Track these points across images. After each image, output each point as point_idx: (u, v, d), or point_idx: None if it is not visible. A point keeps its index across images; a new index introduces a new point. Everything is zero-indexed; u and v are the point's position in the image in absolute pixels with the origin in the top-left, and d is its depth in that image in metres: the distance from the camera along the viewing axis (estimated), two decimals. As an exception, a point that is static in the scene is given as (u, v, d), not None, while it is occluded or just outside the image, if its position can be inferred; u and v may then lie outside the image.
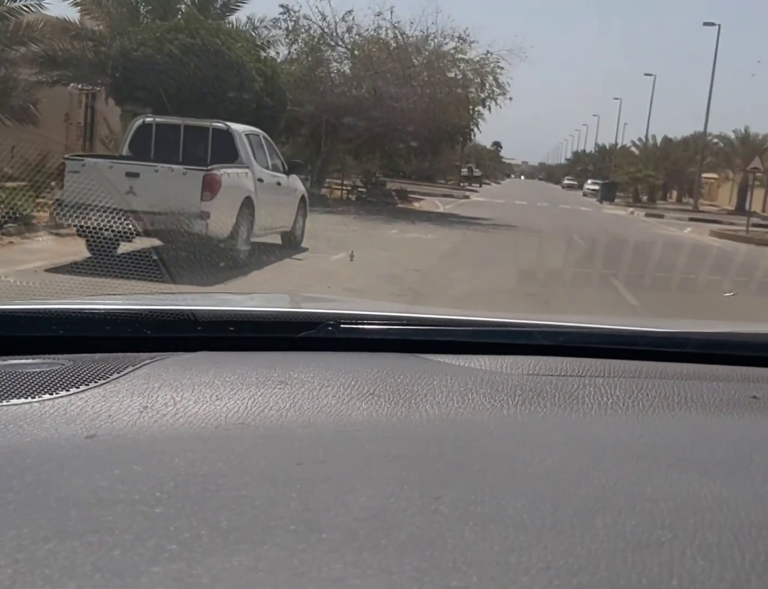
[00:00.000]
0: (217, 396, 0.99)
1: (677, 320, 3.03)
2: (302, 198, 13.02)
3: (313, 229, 13.77)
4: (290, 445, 0.87)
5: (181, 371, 1.09)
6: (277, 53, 23.38)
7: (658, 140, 57.49)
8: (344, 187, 27.71)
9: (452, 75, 23.45)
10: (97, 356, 1.16)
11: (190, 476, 0.76)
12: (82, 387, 1.00)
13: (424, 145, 25.10)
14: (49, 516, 0.68)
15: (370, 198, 26.33)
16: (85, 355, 1.17)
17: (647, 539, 0.68)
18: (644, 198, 51.05)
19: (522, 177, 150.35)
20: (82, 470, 0.77)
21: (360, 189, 28.20)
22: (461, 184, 53.74)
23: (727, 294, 9.74)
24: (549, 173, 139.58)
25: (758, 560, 0.66)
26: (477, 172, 62.93)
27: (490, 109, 23.42)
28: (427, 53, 23.33)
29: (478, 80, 23.30)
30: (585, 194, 63.38)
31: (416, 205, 27.65)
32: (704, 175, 57.47)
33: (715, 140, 48.78)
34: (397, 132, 23.92)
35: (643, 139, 59.71)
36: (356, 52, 23.55)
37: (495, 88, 23.16)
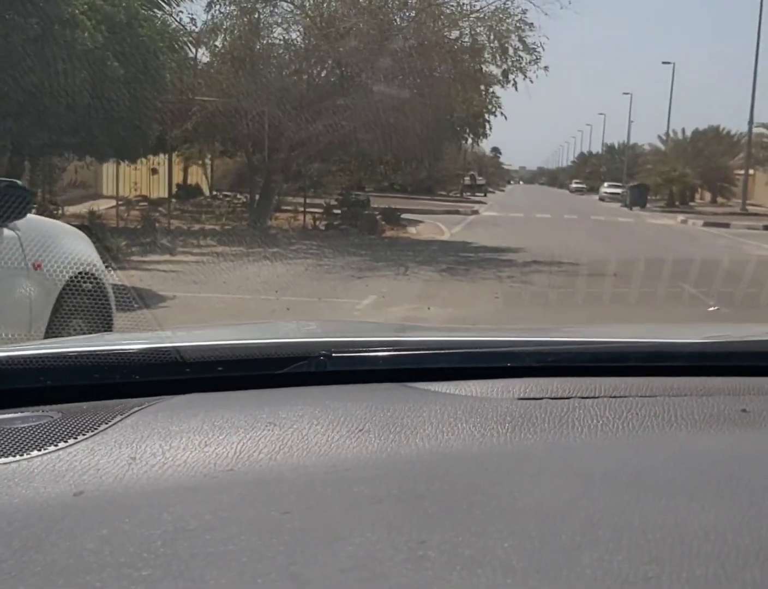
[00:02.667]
0: (206, 442, 0.97)
1: (664, 326, 3.26)
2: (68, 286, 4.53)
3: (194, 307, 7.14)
4: (279, 490, 0.85)
5: (169, 417, 1.06)
6: (192, 20, 15.28)
7: (679, 134, 49.36)
8: (309, 212, 19.64)
9: (454, 35, 15.23)
10: (85, 405, 1.13)
11: (177, 532, 0.75)
12: (71, 441, 0.96)
13: (418, 148, 16.92)
14: (36, 586, 0.68)
15: (346, 226, 18.23)
16: (73, 405, 1.13)
17: (634, 575, 0.68)
18: (677, 202, 42.86)
19: (521, 183, 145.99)
20: (69, 532, 0.76)
21: (335, 212, 20.17)
22: (464, 195, 45.87)
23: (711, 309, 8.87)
24: (552, 177, 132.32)
25: None
26: (480, 181, 55.10)
27: (516, 86, 15.29)
28: (415, 2, 15.09)
29: (496, 43, 15.13)
30: (602, 199, 55.75)
31: (412, 231, 19.54)
32: (738, 172, 49.38)
33: (763, 130, 40.55)
34: (378, 130, 15.80)
35: (663, 136, 51.52)
36: (310, 12, 15.34)
37: (521, 54, 15.01)
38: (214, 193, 24.93)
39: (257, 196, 16.07)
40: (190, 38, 14.88)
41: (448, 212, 28.00)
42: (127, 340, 1.59)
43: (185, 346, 1.32)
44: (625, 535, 0.74)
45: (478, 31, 15.07)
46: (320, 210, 21.17)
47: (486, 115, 16.73)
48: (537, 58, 15.14)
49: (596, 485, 0.87)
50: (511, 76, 15.33)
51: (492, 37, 15.08)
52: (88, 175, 20.85)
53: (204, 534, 0.74)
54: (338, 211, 20.18)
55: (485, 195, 53.11)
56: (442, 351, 1.41)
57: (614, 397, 1.18)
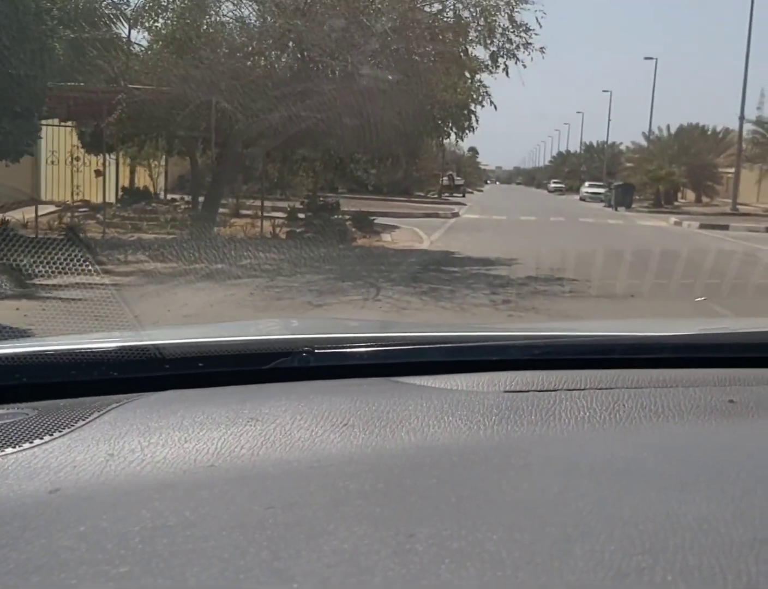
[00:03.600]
0: (185, 438, 0.95)
1: (652, 321, 3.41)
2: None
3: None
4: (261, 486, 0.83)
5: (148, 413, 1.03)
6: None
7: (664, 131, 47.23)
8: (271, 217, 17.16)
9: (435, 9, 12.70)
10: (62, 402, 1.10)
11: (156, 528, 0.73)
12: (47, 438, 0.95)
13: (393, 144, 14.48)
14: (9, 585, 0.66)
15: (311, 233, 15.75)
16: (50, 402, 1.11)
17: (627, 566, 0.67)
18: (662, 201, 40.72)
19: (497, 183, 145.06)
20: (45, 529, 0.74)
21: (300, 217, 17.71)
22: (443, 195, 43.49)
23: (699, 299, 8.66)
24: (529, 177, 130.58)
25: (740, 580, 0.65)
26: (459, 181, 52.87)
27: (507, 72, 12.84)
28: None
29: (482, 22, 12.69)
30: (583, 199, 53.68)
31: (387, 238, 17.09)
32: (723, 169, 47.40)
33: (753, 126, 38.46)
34: (347, 123, 13.35)
35: (647, 133, 49.42)
36: (264, -17, 12.83)
37: (512, 35, 12.56)
38: (170, 196, 22.36)
39: (203, 200, 13.49)
40: (115, 11, 12.34)
41: (426, 215, 25.58)
42: (106, 338, 1.50)
43: (165, 343, 1.27)
44: (617, 526, 0.73)
45: (463, 4, 12.61)
46: (284, 215, 18.76)
47: (472, 106, 14.28)
48: (526, 41, 12.72)
49: (585, 477, 0.86)
50: (500, 60, 12.91)
51: (478, 13, 12.63)
52: (21, 179, 18.24)
53: (184, 530, 0.72)
54: (304, 217, 17.76)
55: (464, 196, 51.06)
56: (428, 346, 1.36)
57: (601, 389, 1.16)
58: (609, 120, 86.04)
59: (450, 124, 14.49)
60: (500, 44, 12.60)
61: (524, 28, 12.38)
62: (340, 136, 14.14)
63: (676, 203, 42.60)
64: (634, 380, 1.23)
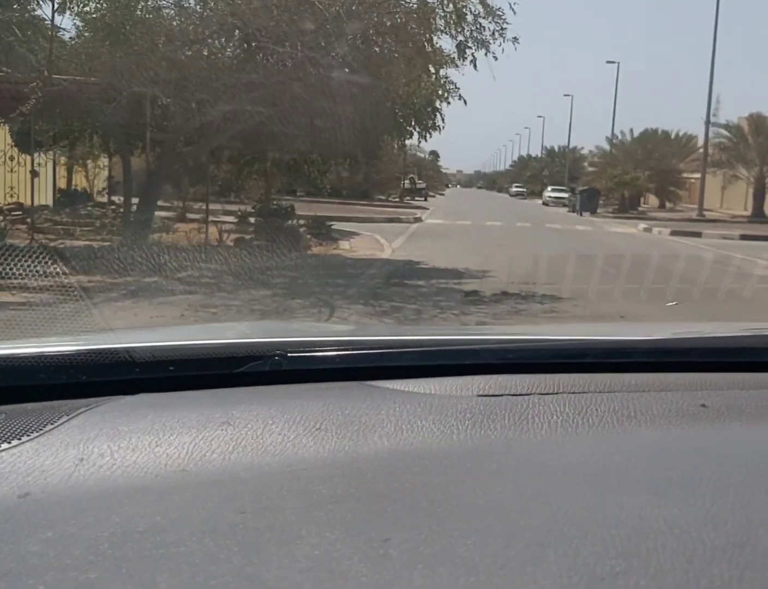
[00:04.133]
0: (156, 443, 0.93)
1: (625, 325, 3.46)
2: None
3: None
4: (233, 491, 0.82)
5: (118, 417, 1.03)
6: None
7: (627, 135, 46.41)
8: (222, 223, 15.69)
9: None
10: (30, 406, 1.09)
11: (126, 534, 0.72)
12: (14, 442, 0.93)
13: (351, 144, 13.10)
14: None
15: (262, 241, 14.32)
16: (18, 405, 1.09)
17: (601, 570, 0.66)
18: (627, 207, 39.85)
19: (458, 186, 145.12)
20: (12, 535, 0.73)
21: (252, 222, 16.29)
22: (404, 199, 42.22)
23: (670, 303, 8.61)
24: (489, 181, 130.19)
25: (713, 585, 0.65)
26: (420, 184, 51.75)
27: (475, 64, 11.50)
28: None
29: (450, 8, 11.35)
30: (546, 204, 52.84)
31: (345, 246, 15.70)
32: (688, 175, 46.79)
33: (720, 130, 37.73)
34: (300, 120, 11.97)
35: (610, 137, 48.62)
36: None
37: (484, 20, 11.23)
38: (114, 199, 20.74)
39: (137, 204, 11.95)
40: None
41: (388, 220, 24.25)
42: (75, 341, 1.47)
43: (135, 346, 1.26)
44: (590, 531, 0.72)
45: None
46: (235, 219, 17.31)
47: (437, 103, 12.94)
48: (500, 28, 11.40)
49: (558, 481, 0.85)
50: (468, 51, 11.56)
51: (444, -2, 11.30)
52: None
53: (154, 536, 0.72)
54: (255, 222, 16.33)
55: (426, 199, 50.04)
56: (401, 349, 1.35)
57: (574, 393, 1.16)
58: (570, 124, 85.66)
59: (413, 123, 13.14)
60: (469, 33, 11.25)
61: (498, 13, 11.05)
62: (292, 134, 12.72)
63: (640, 209, 41.81)
64: (607, 384, 1.22)
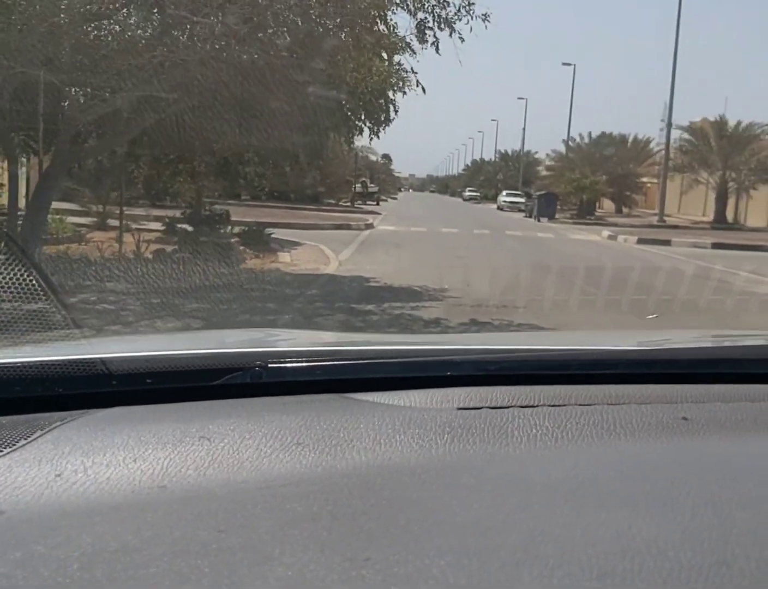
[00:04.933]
0: (132, 458, 0.92)
1: (607, 333, 3.40)
2: None
3: None
4: (208, 508, 0.80)
5: (93, 431, 1.00)
6: None
7: (585, 137, 45.03)
8: (142, 230, 13.58)
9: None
10: (5, 419, 1.06)
11: (96, 553, 0.71)
12: None
13: (291, 141, 11.06)
14: None
15: (186, 252, 12.23)
16: None
17: None
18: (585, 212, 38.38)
19: (411, 190, 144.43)
20: None
21: (180, 231, 14.21)
22: (355, 203, 40.32)
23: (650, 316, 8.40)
24: (442, 185, 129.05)
25: None
26: (373, 188, 49.95)
27: (437, 47, 9.56)
28: None
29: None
30: (501, 208, 51.45)
31: (285, 258, 13.65)
32: (644, 179, 45.65)
33: (679, 132, 36.41)
34: (229, 112, 9.98)
35: (569, 141, 47.25)
36: None
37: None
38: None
39: (25, 211, 9.76)
40: None
41: (337, 227, 22.25)
42: (50, 351, 1.46)
43: (112, 357, 1.24)
44: (567, 550, 0.71)
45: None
46: (163, 226, 15.20)
47: (390, 93, 10.98)
48: (470, 3, 9.50)
49: (536, 497, 0.84)
50: (429, 33, 9.63)
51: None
52: None
53: (125, 556, 0.70)
54: (185, 230, 14.24)
55: (378, 203, 48.24)
56: (381, 360, 1.34)
57: (553, 405, 1.15)
58: (524, 128, 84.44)
59: (362, 117, 11.15)
60: (431, 9, 9.32)
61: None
62: (219, 128, 10.68)
63: (597, 214, 40.42)
64: (587, 396, 1.21)
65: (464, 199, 77.33)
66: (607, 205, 46.92)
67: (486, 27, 9.44)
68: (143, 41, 9.20)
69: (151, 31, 9.48)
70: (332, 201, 37.47)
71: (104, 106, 9.10)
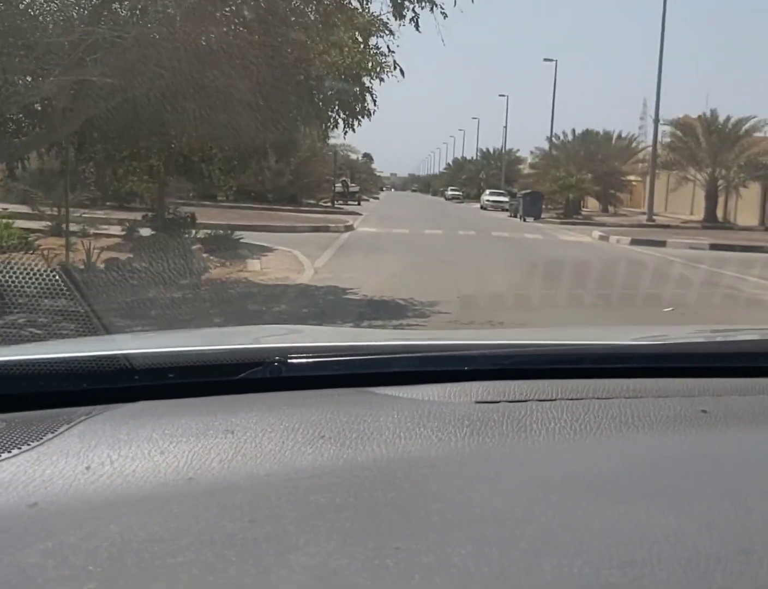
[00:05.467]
0: (157, 451, 0.93)
1: (621, 328, 3.40)
2: None
3: None
4: (232, 500, 0.81)
5: (118, 425, 1.02)
6: None
7: (569, 135, 43.84)
8: (103, 235, 12.20)
9: None
10: (31, 414, 1.08)
11: (125, 543, 0.72)
12: (15, 451, 0.92)
13: (256, 135, 9.67)
14: None
15: (143, 260, 10.83)
16: (18, 414, 1.08)
17: (595, 580, 0.66)
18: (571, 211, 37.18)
19: (393, 190, 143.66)
20: (12, 545, 0.72)
21: (143, 235, 12.84)
22: (336, 203, 39.00)
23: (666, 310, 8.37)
24: (424, 185, 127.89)
25: None
26: (353, 187, 48.57)
27: (417, 23, 8.23)
28: None
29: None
30: (484, 208, 50.33)
31: (254, 266, 12.25)
32: (629, 177, 44.59)
33: (665, 128, 35.24)
34: (185, 101, 8.60)
35: (553, 138, 46.04)
36: None
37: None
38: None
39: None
40: None
41: (314, 229, 20.87)
42: (74, 346, 1.48)
43: (135, 353, 1.24)
44: (585, 540, 0.72)
45: None
46: (124, 230, 13.85)
47: (367, 80, 9.62)
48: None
49: (555, 489, 0.84)
50: (408, 7, 8.30)
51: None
52: None
53: (152, 546, 0.71)
54: (147, 234, 12.87)
55: (359, 203, 46.94)
56: (400, 355, 1.35)
57: (571, 399, 1.15)
58: (506, 125, 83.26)
59: (335, 107, 9.79)
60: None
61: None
62: (174, 120, 9.33)
63: (583, 213, 39.26)
64: (604, 390, 1.20)
65: (446, 199, 76.15)
66: (592, 203, 45.76)
67: (473, 1, 8.10)
68: (75, 15, 7.81)
69: (93, 14, 8.08)
70: (312, 201, 36.07)
71: (30, 94, 7.70)
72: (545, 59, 51.71)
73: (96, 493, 0.83)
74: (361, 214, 31.81)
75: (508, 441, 0.99)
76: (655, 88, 31.90)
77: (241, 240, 13.48)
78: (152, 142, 11.16)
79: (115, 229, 14.42)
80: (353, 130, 10.02)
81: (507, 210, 41.98)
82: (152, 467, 0.89)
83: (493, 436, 1.00)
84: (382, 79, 9.65)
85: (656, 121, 33.00)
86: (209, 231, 13.56)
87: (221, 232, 13.36)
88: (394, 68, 9.37)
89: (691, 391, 1.23)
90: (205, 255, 12.03)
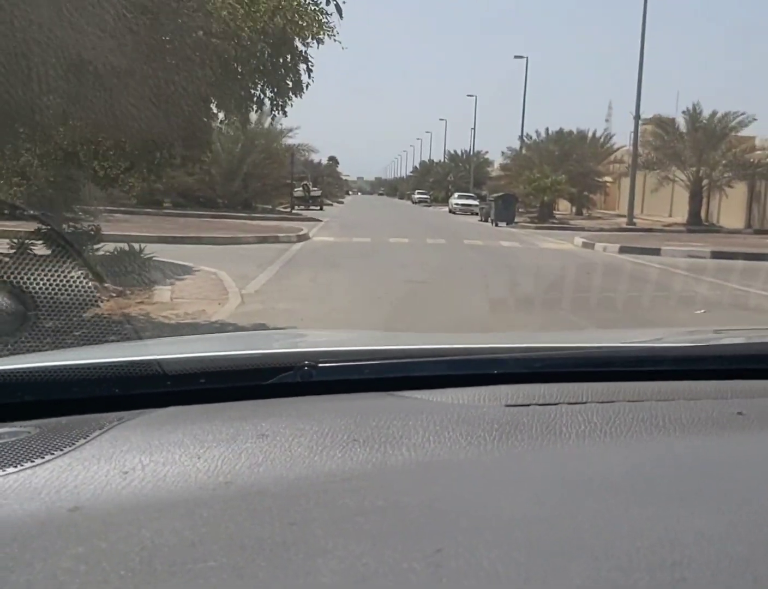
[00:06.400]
0: (188, 456, 0.93)
1: (650, 331, 3.26)
2: None
3: None
4: (262, 505, 0.81)
5: (149, 431, 1.02)
6: None
7: (542, 134, 41.35)
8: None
9: None
10: (64, 420, 1.08)
11: (156, 548, 0.72)
12: (48, 457, 0.92)
13: (156, 123, 6.83)
14: None
15: (7, 293, 7.93)
16: (51, 420, 1.08)
17: (624, 583, 0.66)
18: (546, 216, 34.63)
19: (359, 194, 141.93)
20: (44, 551, 0.72)
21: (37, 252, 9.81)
22: (296, 208, 36.22)
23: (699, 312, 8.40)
24: (391, 188, 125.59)
25: None
26: (315, 192, 45.75)
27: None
28: None
29: None
30: (453, 212, 47.91)
31: (163, 296, 9.35)
32: (604, 179, 42.28)
33: (647, 125, 32.78)
34: (57, 82, 5.71)
35: (525, 138, 43.57)
36: None
37: None
38: None
39: None
40: None
41: (262, 239, 18.05)
42: (106, 352, 1.51)
43: (166, 358, 1.25)
44: (615, 543, 0.72)
45: None
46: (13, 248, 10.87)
47: (299, 43, 6.85)
48: None
49: (584, 492, 0.84)
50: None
51: None
52: None
53: (183, 550, 0.72)
54: (37, 254, 9.95)
55: (322, 208, 44.23)
56: (429, 359, 1.34)
57: (602, 402, 1.13)
58: (474, 127, 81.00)
59: (258, 82, 7.00)
60: None
61: None
62: (44, 105, 6.50)
63: (557, 217, 36.80)
64: (635, 392, 1.19)
65: (414, 202, 73.91)
66: (563, 206, 43.36)
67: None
68: None
69: None
70: (269, 207, 33.15)
71: None
72: (516, 56, 49.43)
73: (127, 498, 0.82)
74: (320, 221, 29.01)
75: (538, 444, 0.98)
76: (628, 87, 29.51)
77: (153, 259, 10.60)
78: (20, 134, 8.30)
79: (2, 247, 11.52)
80: (283, 112, 7.25)
81: (477, 214, 39.55)
82: (183, 472, 0.88)
83: (522, 439, 0.99)
84: (320, 41, 6.86)
85: (637, 117, 30.56)
86: (115, 247, 10.68)
87: (127, 248, 10.47)
88: (337, 9, 6.56)
89: (725, 393, 1.19)
90: (93, 284, 9.15)
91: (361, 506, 0.79)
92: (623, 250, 19.17)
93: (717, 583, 0.65)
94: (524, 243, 21.71)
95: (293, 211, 33.17)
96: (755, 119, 31.21)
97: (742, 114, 30.96)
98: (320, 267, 13.06)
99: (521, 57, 49.05)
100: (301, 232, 20.29)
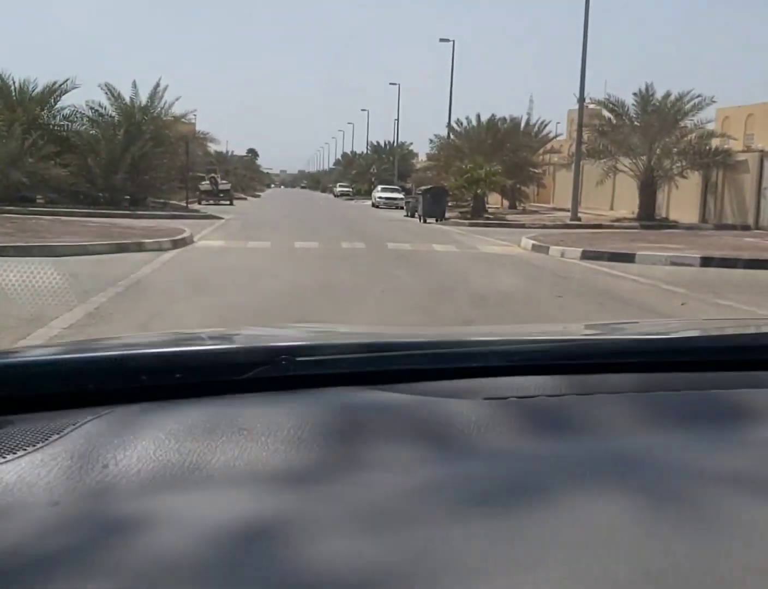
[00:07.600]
0: (162, 451, 0.91)
1: (633, 323, 3.17)
2: None
3: None
4: (238, 499, 0.80)
5: (124, 426, 0.98)
6: None
7: (473, 121, 37.50)
8: None
9: None
10: (37, 415, 1.02)
11: (126, 545, 0.71)
12: (20, 453, 0.89)
13: None
14: None
15: None
16: (23, 415, 1.02)
17: (602, 576, 0.66)
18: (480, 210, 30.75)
19: (282, 187, 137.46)
20: (14, 548, 0.71)
21: None
22: (201, 203, 31.45)
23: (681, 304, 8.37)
24: (314, 181, 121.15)
25: None
26: (224, 185, 41.19)
27: None
28: None
29: None
30: (376, 205, 43.99)
31: None
32: (538, 169, 38.79)
33: (600, 110, 29.13)
34: None
35: (455, 125, 39.63)
36: None
37: None
38: None
39: None
40: None
41: (119, 248, 13.52)
42: (78, 347, 1.47)
43: (141, 353, 1.22)
44: (593, 538, 0.72)
45: None
46: None
47: None
48: None
49: (563, 486, 0.84)
50: None
51: None
52: None
53: (158, 547, 0.70)
54: None
55: (231, 203, 39.74)
56: (407, 352, 1.30)
57: (580, 394, 1.11)
58: (398, 117, 77.10)
59: None
60: None
61: None
62: None
63: (490, 211, 33.05)
64: (615, 384, 1.16)
65: (335, 196, 69.89)
66: (494, 199, 39.71)
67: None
68: None
69: None
70: (161, 201, 28.38)
71: None
72: (441, 39, 45.53)
73: (100, 494, 0.81)
74: (221, 218, 24.52)
75: (516, 437, 0.97)
76: (560, 71, 25.76)
77: None
78: None
79: None
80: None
81: (402, 208, 35.63)
82: (155, 469, 0.86)
83: (501, 432, 0.97)
84: None
85: (581, 100, 26.83)
86: None
87: None
88: None
89: (703, 384, 1.18)
90: None
91: (338, 501, 0.79)
92: (586, 255, 15.29)
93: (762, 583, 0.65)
94: (462, 246, 17.68)
95: (191, 208, 28.49)
96: (714, 101, 27.91)
97: (698, 96, 27.58)
98: (180, 295, 8.77)
99: (447, 40, 45.23)
100: (180, 236, 15.78)
